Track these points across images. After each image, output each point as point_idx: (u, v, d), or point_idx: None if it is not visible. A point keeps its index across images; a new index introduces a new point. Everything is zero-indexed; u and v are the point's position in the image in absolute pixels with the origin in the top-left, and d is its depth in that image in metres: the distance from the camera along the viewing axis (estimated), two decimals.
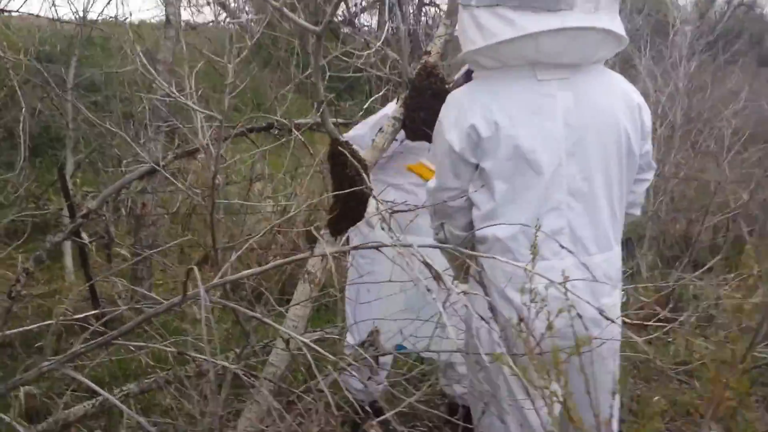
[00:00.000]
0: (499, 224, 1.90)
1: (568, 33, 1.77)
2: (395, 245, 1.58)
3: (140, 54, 2.63)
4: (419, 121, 2.25)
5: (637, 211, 2.18)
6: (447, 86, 2.25)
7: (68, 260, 4.70)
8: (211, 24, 7.38)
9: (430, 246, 1.73)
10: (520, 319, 1.51)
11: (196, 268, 1.62)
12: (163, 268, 4.87)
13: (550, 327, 1.40)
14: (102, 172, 5.99)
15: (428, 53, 2.31)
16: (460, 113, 1.91)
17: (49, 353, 1.97)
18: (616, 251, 2.02)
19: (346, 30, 3.61)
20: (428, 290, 1.54)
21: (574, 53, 1.83)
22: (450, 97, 2.01)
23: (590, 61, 1.89)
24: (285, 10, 1.79)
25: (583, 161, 1.90)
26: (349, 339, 3.06)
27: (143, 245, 4.21)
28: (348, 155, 2.13)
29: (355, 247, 1.74)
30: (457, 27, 1.99)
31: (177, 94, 1.72)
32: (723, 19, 7.80)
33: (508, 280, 1.83)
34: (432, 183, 2.05)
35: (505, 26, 1.78)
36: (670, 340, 3.95)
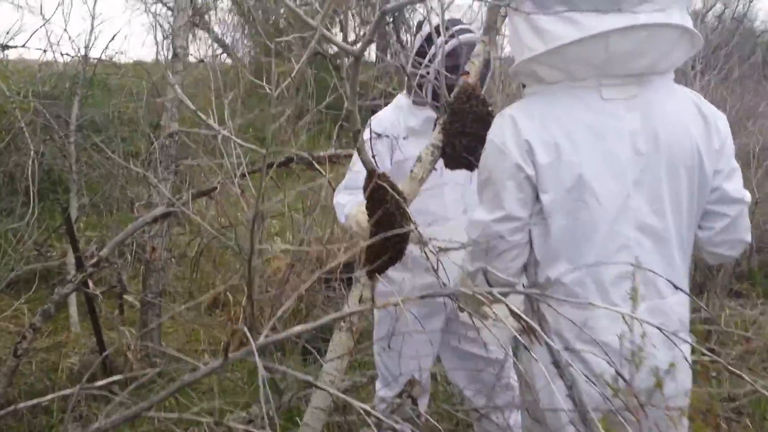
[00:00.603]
0: (565, 266, 1.70)
1: (641, 31, 1.57)
2: (476, 293, 1.35)
3: (156, 90, 2.42)
4: (461, 148, 2.04)
5: (730, 251, 1.86)
6: (490, 109, 2.05)
7: (73, 309, 4.46)
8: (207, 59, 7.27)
9: (514, 292, 1.49)
10: (619, 375, 1.31)
11: (246, 329, 1.39)
12: (174, 315, 4.64)
13: (659, 385, 1.18)
14: (106, 215, 5.82)
15: (467, 74, 2.10)
16: (515, 129, 1.71)
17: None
18: (687, 291, 1.80)
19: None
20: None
21: (647, 55, 1.63)
22: (500, 116, 1.80)
23: (663, 67, 1.69)
24: (325, 31, 1.60)
25: (653, 192, 1.70)
26: (378, 387, 2.86)
27: (152, 291, 3.98)
28: (388, 188, 1.92)
29: (425, 296, 1.47)
30: (508, 36, 1.79)
31: (218, 127, 1.51)
32: (716, 35, 7.69)
33: (575, 331, 1.61)
34: (484, 214, 1.79)
35: (570, 28, 1.59)
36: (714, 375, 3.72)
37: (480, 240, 1.81)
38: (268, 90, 1.54)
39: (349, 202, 2.52)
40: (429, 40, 2.47)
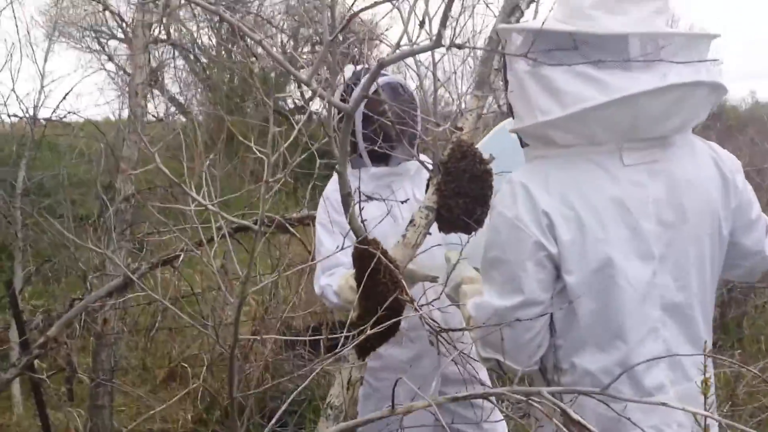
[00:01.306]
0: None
1: (674, 92, 1.41)
2: (527, 398, 1.14)
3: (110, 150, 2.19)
4: (457, 210, 1.86)
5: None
6: (488, 167, 1.88)
7: (16, 389, 4.09)
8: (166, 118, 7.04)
9: (569, 391, 1.27)
10: None
11: None
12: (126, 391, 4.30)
13: None
14: (53, 284, 5.45)
15: (460, 129, 1.95)
16: (530, 200, 1.50)
17: None
18: (710, 364, 1.64)
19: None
20: None
21: (676, 117, 1.47)
22: (509, 185, 1.58)
23: (689, 126, 1.54)
24: (318, 87, 1.42)
25: (678, 266, 1.54)
26: None
27: (104, 368, 3.65)
28: (381, 257, 1.73)
29: (457, 398, 1.23)
30: (510, 93, 1.60)
31: (205, 201, 1.29)
32: None
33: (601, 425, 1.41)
34: (498, 299, 1.56)
35: (594, 89, 1.41)
36: None
37: (490, 325, 1.57)
38: (257, 153, 1.33)
39: (334, 280, 2.29)
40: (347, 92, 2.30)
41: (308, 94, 11.37)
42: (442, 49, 1.58)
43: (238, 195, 1.37)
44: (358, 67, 2.41)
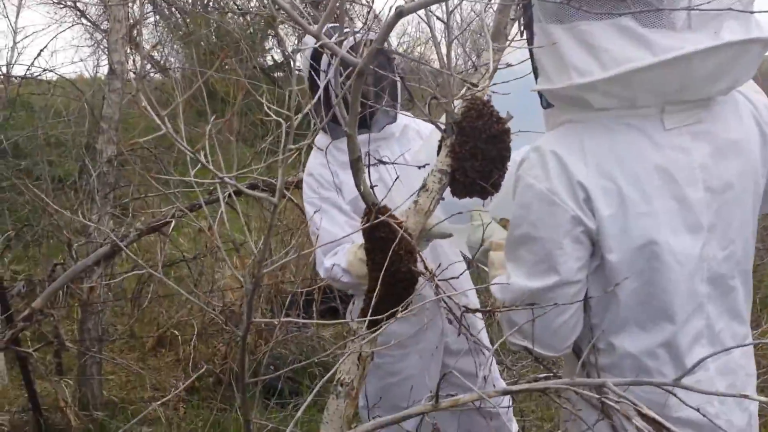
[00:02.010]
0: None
1: (729, 50, 1.25)
2: (599, 397, 1.02)
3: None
4: (473, 173, 1.73)
5: None
6: (506, 126, 1.75)
7: (0, 359, 3.95)
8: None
9: (645, 382, 1.15)
10: None
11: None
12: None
13: None
14: (33, 247, 5.27)
15: (474, 86, 1.80)
16: (564, 171, 1.35)
17: None
18: (749, 334, 1.54)
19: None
20: None
21: (727, 77, 1.31)
22: (536, 152, 1.42)
23: (738, 86, 1.39)
24: (327, 39, 1.27)
25: (725, 235, 1.42)
26: None
27: (91, 337, 3.53)
28: (394, 226, 1.60)
29: (509, 392, 1.09)
30: (535, 50, 1.44)
31: (221, 174, 1.13)
32: None
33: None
34: (528, 280, 1.42)
35: (640, 48, 1.24)
36: None
37: (519, 308, 1.43)
38: (273, 116, 1.19)
39: (340, 258, 2.17)
40: (315, 58, 2.20)
41: (289, 48, 11.12)
42: None
43: (261, 167, 1.21)
44: (329, 25, 2.26)
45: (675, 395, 1.11)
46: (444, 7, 1.67)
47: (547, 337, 1.42)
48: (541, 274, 1.39)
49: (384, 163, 1.74)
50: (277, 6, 1.37)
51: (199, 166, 1.36)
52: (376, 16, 1.55)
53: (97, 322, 3.52)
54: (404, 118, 2.43)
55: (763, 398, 0.95)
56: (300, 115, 1.09)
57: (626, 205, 1.33)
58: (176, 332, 4.39)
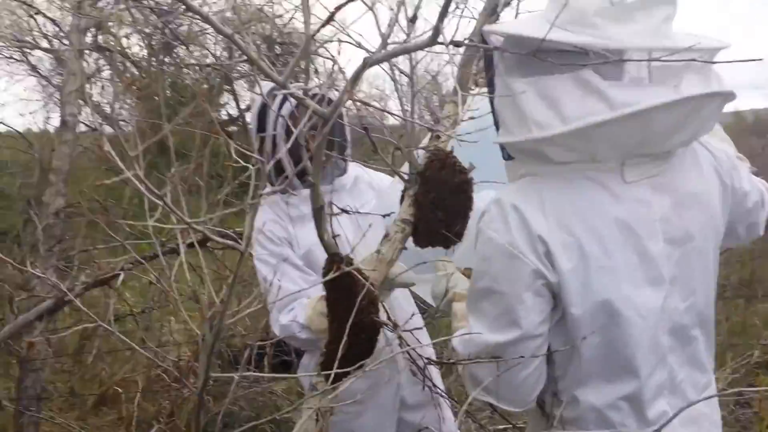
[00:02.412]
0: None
1: (688, 104, 1.27)
2: None
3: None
4: (437, 223, 1.72)
5: None
6: (469, 177, 1.76)
7: None
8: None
9: None
10: None
11: None
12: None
13: None
14: None
15: (437, 137, 1.81)
16: (524, 225, 1.34)
17: None
18: (713, 383, 1.55)
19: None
20: None
21: (686, 130, 1.33)
22: (496, 206, 1.41)
23: (697, 138, 1.42)
24: (295, 90, 1.27)
25: (686, 285, 1.43)
26: None
27: (29, 396, 3.36)
28: (355, 275, 1.58)
29: None
30: (497, 103, 1.45)
31: (157, 192, 1.07)
32: None
33: None
34: (491, 334, 1.40)
35: (600, 102, 1.25)
36: None
37: (483, 360, 1.41)
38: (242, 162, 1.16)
39: (298, 313, 2.11)
40: (263, 111, 2.20)
41: (243, 104, 11.12)
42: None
43: (225, 212, 1.17)
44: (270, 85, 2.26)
45: None
46: (408, 59, 1.69)
47: (510, 392, 1.40)
48: (503, 327, 1.38)
49: (347, 212, 1.71)
50: (240, 56, 1.36)
51: (156, 216, 1.32)
52: (340, 69, 1.56)
53: (36, 380, 3.35)
54: (355, 170, 2.42)
55: None
56: (273, 162, 1.07)
57: (587, 260, 1.32)
58: (119, 390, 4.20)
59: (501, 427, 3.33)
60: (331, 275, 1.56)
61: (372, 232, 1.80)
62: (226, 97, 10.45)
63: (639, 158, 1.36)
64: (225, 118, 10.53)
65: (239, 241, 1.26)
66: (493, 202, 1.42)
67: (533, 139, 1.32)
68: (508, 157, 1.52)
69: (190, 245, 2.13)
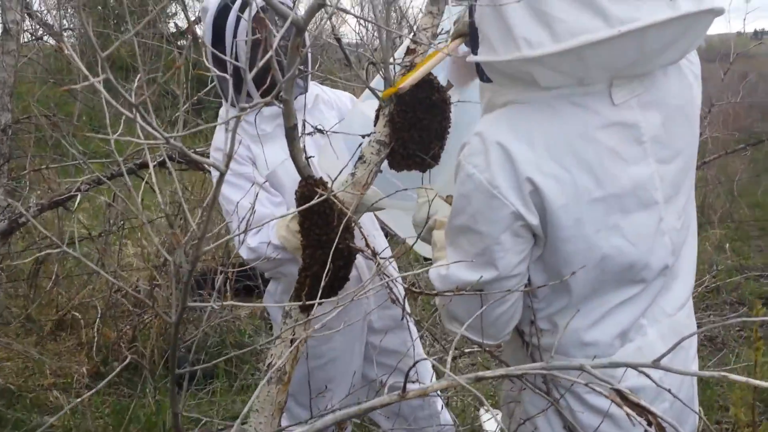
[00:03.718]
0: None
1: (682, 22, 1.18)
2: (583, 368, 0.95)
3: None
4: (412, 144, 1.65)
5: None
6: (445, 96, 1.67)
7: None
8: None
9: (620, 365, 1.11)
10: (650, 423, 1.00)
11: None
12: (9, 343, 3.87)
13: None
14: None
15: (413, 51, 1.71)
16: (509, 164, 1.26)
17: None
18: (690, 296, 1.55)
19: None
20: None
21: (677, 48, 1.25)
22: (479, 139, 1.30)
23: (686, 55, 1.34)
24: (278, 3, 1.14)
25: (678, 203, 1.39)
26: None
27: None
28: (330, 198, 1.50)
29: (482, 378, 0.98)
30: (477, 15, 1.33)
31: (133, 102, 0.95)
32: None
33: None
34: (467, 272, 1.35)
35: (596, 19, 1.14)
36: None
37: (464, 292, 1.36)
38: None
39: (269, 233, 2.01)
40: (221, 17, 2.02)
41: (193, 15, 10.62)
42: None
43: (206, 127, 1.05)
44: None
45: (650, 378, 1.07)
46: None
47: (486, 327, 1.37)
48: (480, 267, 1.33)
49: (322, 131, 1.62)
50: None
51: (119, 131, 1.21)
52: None
53: None
54: (314, 88, 2.29)
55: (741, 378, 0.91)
56: (256, 68, 0.96)
57: (579, 193, 1.27)
58: (77, 315, 4.11)
59: (468, 350, 3.36)
60: (310, 203, 1.47)
61: (337, 151, 1.72)
62: (174, 7, 9.99)
63: (626, 78, 1.29)
64: (173, 30, 10.10)
65: (219, 167, 1.16)
66: (474, 133, 1.33)
67: (522, 59, 1.21)
68: (486, 79, 1.40)
69: (160, 164, 2.02)
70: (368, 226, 2.27)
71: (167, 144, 0.81)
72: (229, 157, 0.92)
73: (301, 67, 2.07)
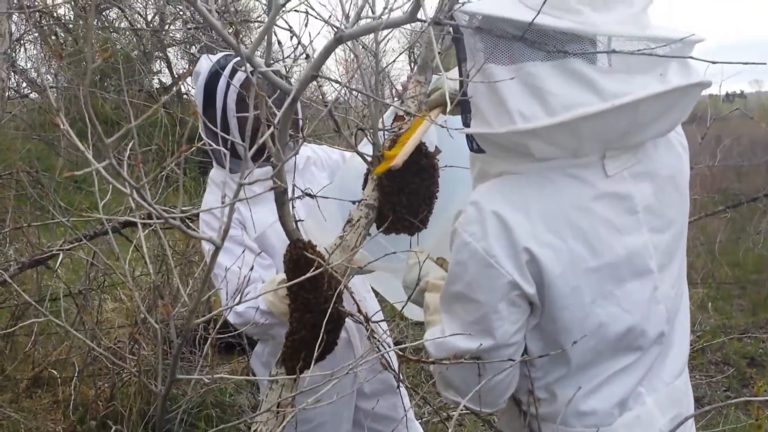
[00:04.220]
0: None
1: (673, 95, 1.22)
2: None
3: None
4: (402, 208, 1.66)
5: None
6: (433, 162, 1.70)
7: None
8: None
9: None
10: None
11: None
12: None
13: None
14: None
15: (401, 119, 1.74)
16: (506, 233, 1.26)
17: None
18: (686, 361, 1.55)
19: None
20: None
21: (667, 119, 1.29)
22: (475, 209, 1.31)
23: (675, 127, 1.37)
24: (258, 59, 1.16)
25: (671, 273, 1.41)
26: None
27: None
28: (323, 264, 1.50)
29: None
30: (470, 89, 1.34)
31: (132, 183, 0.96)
32: None
33: None
34: (464, 341, 1.33)
35: (589, 93, 1.18)
36: None
37: (463, 361, 1.34)
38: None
39: (253, 298, 1.99)
40: (212, 82, 2.06)
41: (176, 72, 10.69)
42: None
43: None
44: (220, 55, 2.13)
45: None
46: (374, 37, 1.60)
47: (482, 394, 1.35)
48: (477, 335, 1.32)
49: (311, 196, 1.63)
50: (202, 23, 1.25)
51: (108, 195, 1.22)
52: (303, 46, 1.46)
53: None
54: (305, 150, 2.31)
55: None
56: (266, 134, 0.97)
57: (575, 263, 1.27)
58: (54, 372, 4.02)
59: (457, 412, 3.32)
60: (300, 269, 1.47)
61: (327, 213, 1.72)
62: (159, 65, 10.08)
63: (618, 150, 1.31)
64: (157, 86, 10.16)
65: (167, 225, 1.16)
66: (470, 202, 1.34)
67: (517, 131, 1.23)
68: (477, 149, 1.41)
69: (141, 227, 2.01)
70: (359, 288, 2.26)
71: (165, 222, 0.81)
72: (225, 231, 0.92)
73: (292, 132, 2.09)
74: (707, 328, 4.97)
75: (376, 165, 1.66)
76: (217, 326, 1.74)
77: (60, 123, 0.79)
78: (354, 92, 1.91)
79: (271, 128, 1.26)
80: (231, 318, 2.01)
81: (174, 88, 9.37)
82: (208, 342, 1.57)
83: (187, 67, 10.46)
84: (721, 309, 5.75)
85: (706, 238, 6.55)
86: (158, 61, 10.11)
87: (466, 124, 1.35)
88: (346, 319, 1.63)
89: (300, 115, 2.18)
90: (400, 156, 1.55)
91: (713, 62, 1.23)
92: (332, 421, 2.22)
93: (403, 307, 1.72)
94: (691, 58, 1.24)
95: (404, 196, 1.65)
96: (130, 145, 1.03)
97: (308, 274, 1.41)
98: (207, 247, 2.15)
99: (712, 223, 6.79)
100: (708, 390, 4.24)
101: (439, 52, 1.81)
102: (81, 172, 0.75)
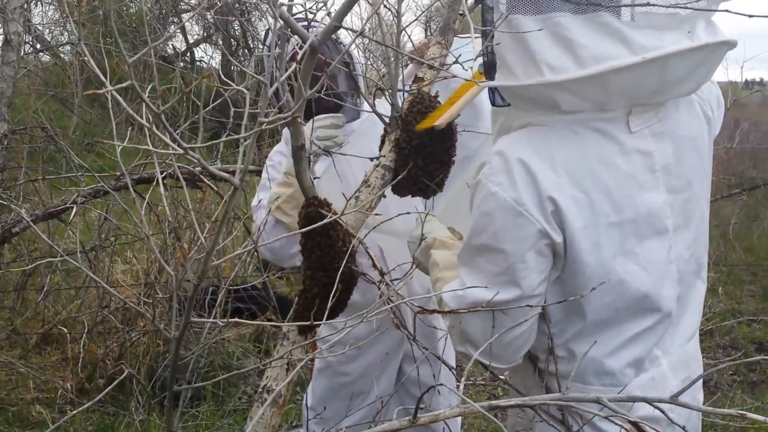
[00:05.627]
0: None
1: (703, 52, 1.21)
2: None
3: None
4: (417, 171, 1.64)
5: None
6: (453, 125, 1.67)
7: None
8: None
9: (639, 399, 1.09)
10: None
11: None
12: None
13: None
14: None
15: (421, 80, 1.72)
16: (533, 182, 1.26)
17: None
18: (698, 325, 1.55)
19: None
20: None
21: (693, 79, 1.27)
22: (500, 158, 1.30)
23: (700, 87, 1.36)
24: (285, 11, 1.14)
25: (688, 234, 1.40)
26: None
27: None
28: (336, 220, 1.49)
29: (497, 407, 0.95)
30: (501, 41, 1.32)
31: (155, 109, 0.93)
32: None
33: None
34: (485, 292, 1.31)
35: (620, 46, 1.17)
36: None
37: (480, 308, 1.32)
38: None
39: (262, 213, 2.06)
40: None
41: (192, 38, 10.64)
42: None
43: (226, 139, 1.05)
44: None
45: (665, 415, 1.05)
46: None
47: (499, 349, 1.34)
48: (501, 286, 1.31)
49: (327, 153, 1.61)
50: None
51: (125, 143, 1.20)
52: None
53: None
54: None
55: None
56: (274, 87, 0.96)
57: (597, 217, 1.27)
58: (64, 329, 4.05)
59: (481, 381, 3.33)
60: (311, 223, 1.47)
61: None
62: (173, 29, 10.03)
63: (643, 107, 1.30)
64: (170, 51, 10.11)
65: (233, 180, 1.15)
66: (495, 152, 1.32)
67: (545, 83, 1.22)
68: (501, 102, 1.39)
69: (166, 177, 2.01)
70: (375, 251, 2.26)
71: (186, 155, 0.80)
72: (243, 172, 0.91)
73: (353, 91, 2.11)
74: (717, 311, 4.96)
75: (393, 127, 1.65)
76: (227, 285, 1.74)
77: (83, 54, 0.77)
78: (373, 54, 1.88)
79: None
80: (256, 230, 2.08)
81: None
82: (221, 293, 1.56)
83: (201, 33, 10.42)
84: (731, 294, 5.74)
85: (719, 221, 6.51)
86: (172, 26, 10.04)
87: (491, 77, 1.33)
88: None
89: (360, 81, 2.17)
90: (444, 117, 1.54)
91: (750, 15, 1.21)
92: (368, 377, 2.24)
93: (411, 269, 1.71)
94: (725, 11, 1.22)
95: (421, 158, 1.64)
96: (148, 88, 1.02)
97: (319, 223, 1.39)
98: (257, 195, 2.25)
99: (726, 207, 6.76)
100: (714, 373, 4.24)
101: (460, 13, 1.80)
102: (104, 90, 0.73)
